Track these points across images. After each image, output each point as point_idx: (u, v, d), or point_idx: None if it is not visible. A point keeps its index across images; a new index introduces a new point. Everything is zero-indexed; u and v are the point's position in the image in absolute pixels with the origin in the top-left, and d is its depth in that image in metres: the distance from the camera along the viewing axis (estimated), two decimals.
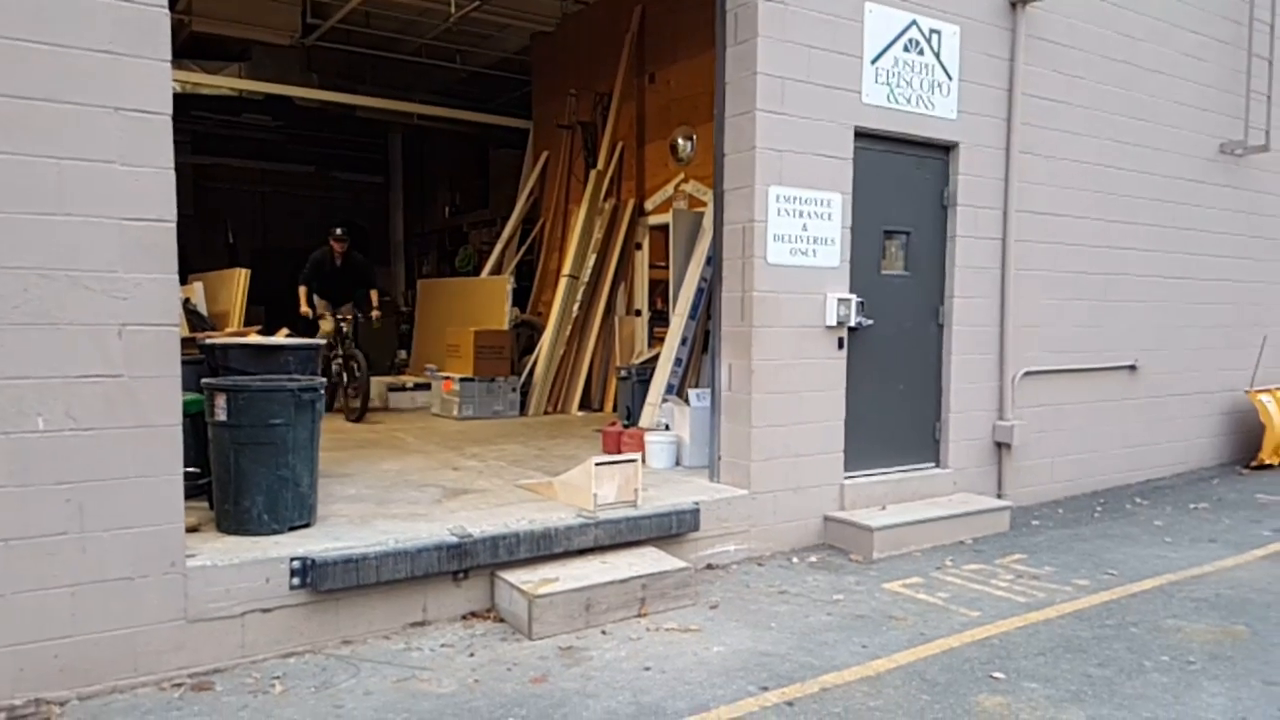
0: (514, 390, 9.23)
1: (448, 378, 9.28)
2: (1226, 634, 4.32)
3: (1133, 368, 7.64)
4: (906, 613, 4.62)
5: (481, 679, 3.76)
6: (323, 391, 4.46)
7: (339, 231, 8.92)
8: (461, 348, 9.41)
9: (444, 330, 10.33)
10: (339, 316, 8.75)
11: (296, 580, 3.95)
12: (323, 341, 7.21)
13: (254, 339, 4.94)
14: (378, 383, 10.41)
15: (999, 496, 6.67)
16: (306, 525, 4.42)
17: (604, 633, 4.28)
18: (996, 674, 3.85)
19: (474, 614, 4.46)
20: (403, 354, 12.99)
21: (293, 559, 3.96)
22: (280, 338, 5.19)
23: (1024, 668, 3.91)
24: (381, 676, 3.77)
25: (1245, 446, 8.60)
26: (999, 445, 6.76)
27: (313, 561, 3.97)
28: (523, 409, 9.27)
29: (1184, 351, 8.13)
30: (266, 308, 11.84)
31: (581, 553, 4.74)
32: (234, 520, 4.23)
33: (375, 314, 9.07)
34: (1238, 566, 5.45)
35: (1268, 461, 8.41)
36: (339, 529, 4.46)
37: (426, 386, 9.98)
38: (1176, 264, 7.97)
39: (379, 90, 12.73)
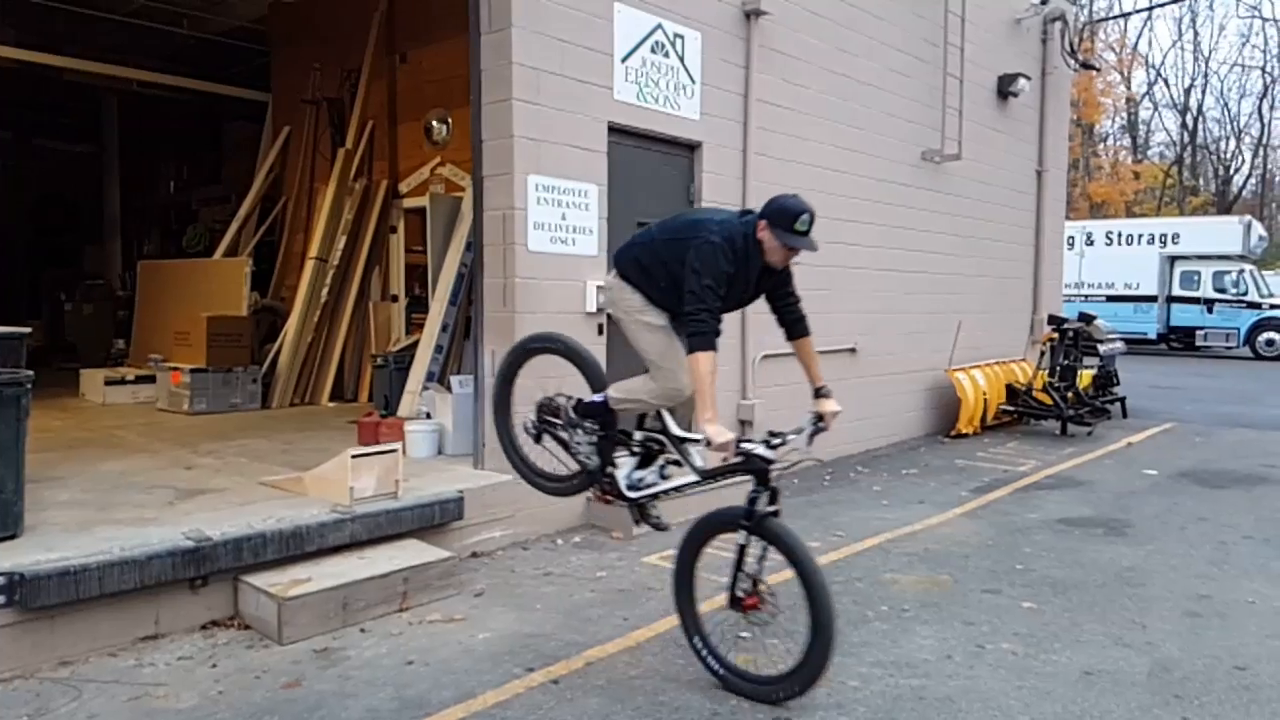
0: (255, 381, 8.61)
1: (176, 369, 8.49)
2: (934, 583, 4.94)
3: (853, 350, 8.48)
4: (664, 584, 4.83)
5: (226, 689, 3.52)
6: (29, 386, 3.95)
7: (806, 218, 3.55)
8: (192, 335, 8.64)
9: (171, 317, 9.42)
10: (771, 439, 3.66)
11: (2, 598, 3.49)
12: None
13: None
14: (91, 376, 9.33)
15: None
16: (13, 536, 3.92)
17: (363, 630, 4.14)
18: (743, 634, 4.15)
19: (215, 623, 4.16)
20: (120, 343, 11.70)
21: None
22: None
23: (767, 626, 4.24)
24: (109, 697, 3.43)
25: (946, 418, 9.83)
26: (742, 423, 7.27)
27: (21, 576, 3.52)
28: (265, 401, 8.68)
29: (896, 336, 9.14)
30: None
31: (337, 549, 4.55)
32: None
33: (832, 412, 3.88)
34: (942, 524, 6.23)
35: (964, 431, 9.66)
36: (52, 538, 3.99)
37: (150, 379, 9.06)
38: (889, 258, 8.93)
39: (90, 52, 11.29)
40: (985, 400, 9.88)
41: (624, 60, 6.12)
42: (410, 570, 4.46)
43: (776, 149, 7.40)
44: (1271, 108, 41.12)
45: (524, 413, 4.23)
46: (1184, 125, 42.12)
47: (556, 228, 5.72)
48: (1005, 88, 10.44)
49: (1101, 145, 43.94)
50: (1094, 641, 4.13)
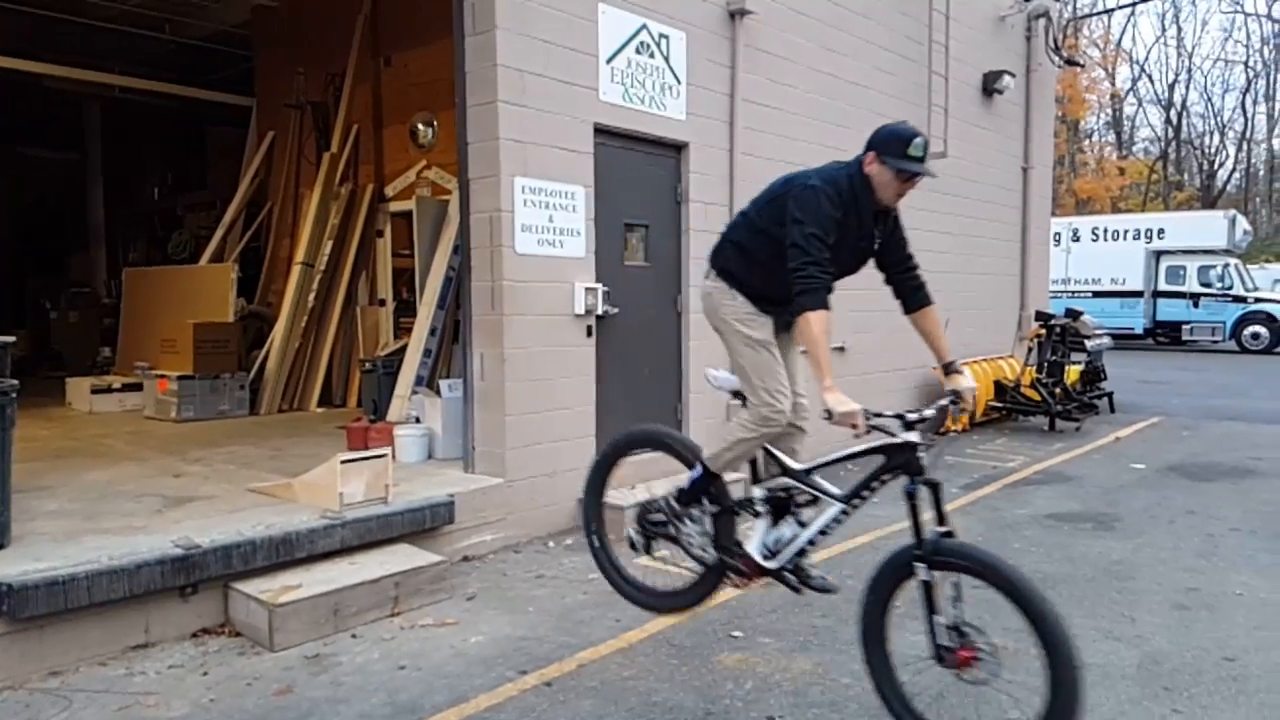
0: (242, 387, 8.58)
1: (163, 376, 8.45)
2: None
3: (842, 349, 8.50)
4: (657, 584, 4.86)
5: (218, 697, 3.51)
6: (14, 395, 3.92)
7: (920, 142, 3.37)
8: (179, 343, 8.61)
9: (158, 324, 9.38)
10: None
11: None
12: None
13: None
14: (77, 384, 9.27)
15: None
16: (0, 547, 3.89)
17: (354, 636, 4.13)
18: (735, 633, 4.17)
19: (206, 630, 4.15)
20: (106, 351, 11.64)
21: None
22: None
23: (759, 624, 4.26)
24: (100, 706, 3.41)
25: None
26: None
27: (9, 587, 3.50)
28: (253, 408, 8.64)
29: (883, 334, 9.12)
30: None
31: (328, 555, 4.54)
32: None
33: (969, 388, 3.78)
34: (932, 520, 6.23)
35: (952, 428, 9.69)
36: (40, 548, 3.96)
37: (137, 387, 9.02)
38: None
39: (71, 58, 11.22)
40: (973, 397, 9.89)
41: (609, 61, 6.12)
42: (401, 575, 4.45)
43: (764, 149, 7.41)
44: (1255, 102, 41.51)
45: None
46: (1168, 121, 42.46)
47: (544, 230, 5.71)
48: (990, 85, 10.49)
49: (1087, 141, 44.22)
50: (1084, 635, 4.14)
